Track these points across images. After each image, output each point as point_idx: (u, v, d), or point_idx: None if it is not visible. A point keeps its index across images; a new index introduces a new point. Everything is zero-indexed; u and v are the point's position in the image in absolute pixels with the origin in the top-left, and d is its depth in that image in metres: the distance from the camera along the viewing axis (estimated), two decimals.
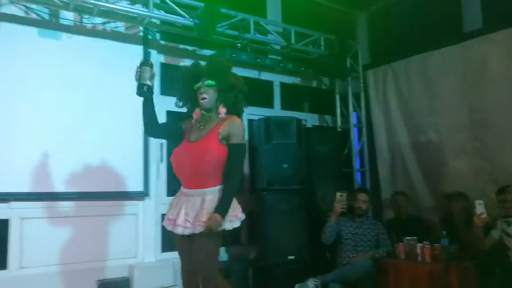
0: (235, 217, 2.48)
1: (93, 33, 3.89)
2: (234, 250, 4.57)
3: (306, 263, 4.21)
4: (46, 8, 3.68)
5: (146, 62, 2.59)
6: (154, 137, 3.48)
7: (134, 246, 4.00)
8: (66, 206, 3.67)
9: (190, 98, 2.65)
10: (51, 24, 3.73)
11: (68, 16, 3.79)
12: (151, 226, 4.08)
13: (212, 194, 2.44)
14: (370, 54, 5.84)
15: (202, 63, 2.68)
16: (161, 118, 4.26)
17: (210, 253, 2.46)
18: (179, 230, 2.45)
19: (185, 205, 2.46)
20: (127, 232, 3.97)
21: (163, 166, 4.29)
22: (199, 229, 2.37)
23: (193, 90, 2.58)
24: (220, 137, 2.48)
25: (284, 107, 5.30)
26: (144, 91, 2.56)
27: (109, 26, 4.00)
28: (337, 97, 5.58)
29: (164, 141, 4.29)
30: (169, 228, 2.56)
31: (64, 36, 3.76)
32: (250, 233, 4.75)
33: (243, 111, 2.71)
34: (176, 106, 2.76)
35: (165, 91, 4.38)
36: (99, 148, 3.78)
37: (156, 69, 4.24)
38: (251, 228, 4.74)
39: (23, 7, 3.60)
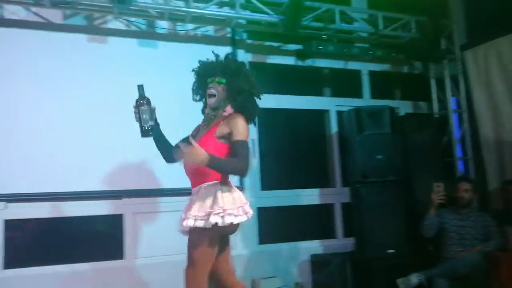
0: (242, 211, 2.35)
1: (186, 39, 4.14)
2: (329, 244, 4.56)
3: (407, 257, 4.04)
4: (144, 19, 3.99)
5: (142, 100, 2.45)
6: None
7: (233, 237, 4.16)
8: (171, 201, 3.94)
9: (203, 93, 2.59)
10: (148, 34, 4.04)
11: (163, 25, 4.08)
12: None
13: (205, 189, 2.35)
14: (466, 33, 5.37)
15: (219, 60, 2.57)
16: None
17: (197, 248, 2.31)
18: (179, 229, 2.46)
19: (187, 205, 2.44)
20: None
21: (255, 161, 4.41)
22: (191, 222, 2.27)
23: (206, 84, 2.54)
24: (217, 135, 2.39)
25: (374, 96, 5.13)
26: (149, 134, 2.47)
27: (200, 31, 4.22)
28: (432, 81, 5.25)
29: (255, 137, 4.43)
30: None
31: (160, 44, 4.05)
32: (345, 226, 4.70)
33: (254, 117, 2.54)
34: (193, 100, 2.70)
35: None
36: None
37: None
38: (346, 222, 4.69)
39: (124, 21, 3.95)
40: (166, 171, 3.82)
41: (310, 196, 4.64)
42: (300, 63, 4.74)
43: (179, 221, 2.47)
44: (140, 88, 2.51)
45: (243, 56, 4.41)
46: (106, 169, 3.67)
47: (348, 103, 4.75)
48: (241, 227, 4.09)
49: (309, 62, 4.74)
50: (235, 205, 2.32)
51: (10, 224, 3.53)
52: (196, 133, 2.62)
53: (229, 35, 4.34)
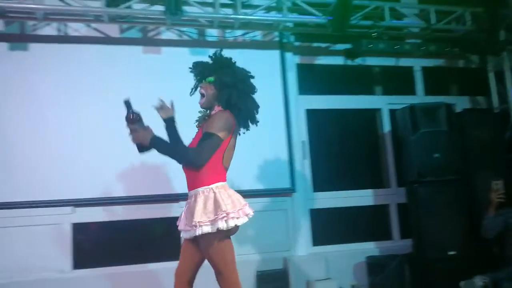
0: (242, 213, 2.33)
1: (235, 45, 4.23)
2: (385, 246, 4.45)
3: (470, 259, 3.86)
4: (195, 29, 4.13)
5: (132, 116, 2.39)
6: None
7: (286, 239, 4.20)
8: None
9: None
10: (199, 43, 4.17)
11: (212, 33, 4.19)
12: (301, 221, 4.23)
13: (203, 194, 2.31)
14: None
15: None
16: (301, 117, 4.47)
17: (221, 252, 2.33)
18: (182, 235, 2.45)
19: (185, 208, 2.43)
20: (280, 226, 4.19)
21: (307, 163, 4.41)
22: (199, 231, 2.24)
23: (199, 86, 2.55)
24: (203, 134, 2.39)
25: (428, 92, 4.96)
26: (145, 149, 2.44)
27: (248, 36, 4.30)
28: (491, 75, 4.98)
29: (306, 138, 4.43)
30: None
31: (211, 51, 4.15)
32: (402, 227, 4.57)
33: (249, 113, 2.57)
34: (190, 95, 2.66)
35: (303, 91, 4.53)
36: (247, 149, 4.04)
37: (293, 70, 4.52)
38: (402, 222, 4.56)
39: (176, 31, 4.11)
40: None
41: (363, 197, 4.56)
42: (349, 62, 4.68)
43: (179, 223, 2.49)
44: (127, 103, 2.39)
45: (291, 59, 4.45)
46: (163, 174, 3.82)
47: (401, 101, 4.62)
48: (290, 228, 4.18)
49: (358, 61, 4.68)
50: (235, 208, 2.31)
51: (78, 227, 3.78)
52: None
53: (276, 39, 4.39)
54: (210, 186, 2.32)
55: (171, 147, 2.40)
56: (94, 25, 3.87)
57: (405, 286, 3.99)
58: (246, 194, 3.97)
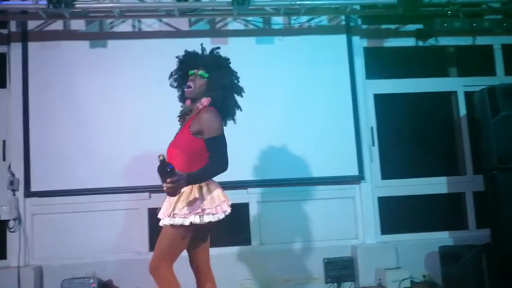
0: (216, 210, 2.33)
1: (301, 31, 4.19)
2: (459, 235, 4.26)
3: None
4: (261, 17, 4.15)
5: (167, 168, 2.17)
6: None
7: (354, 227, 4.17)
8: (292, 191, 4.09)
9: (182, 82, 2.56)
10: (265, 31, 4.19)
11: (278, 21, 4.19)
12: (369, 209, 4.18)
13: (187, 187, 2.29)
14: None
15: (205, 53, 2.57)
16: (369, 103, 4.36)
17: (164, 245, 2.35)
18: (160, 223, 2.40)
19: (167, 201, 2.38)
20: (347, 214, 4.17)
21: (375, 150, 4.31)
22: (171, 221, 2.27)
23: (187, 74, 2.51)
24: (191, 131, 2.37)
25: (508, 72, 4.59)
26: None
27: (314, 22, 4.24)
28: None
29: (374, 124, 4.33)
30: None
31: (276, 39, 4.18)
32: (478, 216, 4.34)
33: (234, 114, 2.58)
34: (170, 86, 2.66)
35: (371, 75, 4.41)
36: (314, 136, 4.07)
37: (360, 54, 4.38)
38: (479, 211, 4.33)
39: (243, 22, 4.16)
40: (286, 163, 4.00)
41: (436, 185, 4.37)
42: (420, 43, 4.46)
43: (160, 212, 2.42)
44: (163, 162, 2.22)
45: (358, 43, 4.34)
46: (233, 161, 3.92)
47: (478, 83, 4.32)
48: (360, 217, 4.14)
49: (431, 42, 4.44)
50: (213, 204, 2.32)
51: (153, 212, 4.03)
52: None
53: (343, 22, 4.29)
54: None
55: (205, 173, 2.34)
56: (165, 19, 4.04)
57: (483, 278, 3.78)
58: (313, 182, 4.06)
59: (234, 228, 4.17)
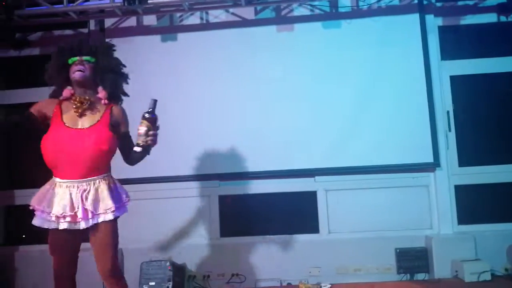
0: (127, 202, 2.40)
1: (370, 13, 4.03)
2: None
3: None
4: (327, 1, 4.05)
5: (150, 115, 2.35)
6: None
7: (428, 217, 4.00)
8: (361, 178, 4.00)
9: (61, 74, 2.37)
10: (332, 15, 4.08)
11: (345, 4, 4.07)
12: (445, 198, 3.97)
13: (103, 182, 2.30)
14: None
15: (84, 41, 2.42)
16: (445, 85, 4.11)
17: (115, 242, 2.34)
18: (81, 225, 2.23)
19: (80, 197, 2.23)
20: (420, 203, 4.00)
21: (452, 136, 4.07)
22: (108, 216, 2.25)
23: (67, 65, 2.33)
24: (110, 126, 2.35)
25: None
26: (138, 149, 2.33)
27: (383, 3, 4.05)
28: None
29: (450, 108, 4.08)
30: (52, 225, 2.24)
31: (344, 23, 4.06)
32: None
33: (121, 97, 2.53)
34: (46, 81, 2.46)
35: (446, 56, 4.15)
36: (386, 122, 3.93)
37: (434, 34, 4.13)
38: None
39: (308, 7, 4.09)
40: (356, 150, 3.92)
41: None
42: (503, 19, 4.10)
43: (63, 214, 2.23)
44: (153, 103, 2.38)
45: (432, 22, 4.08)
46: (300, 149, 3.94)
47: None
48: (435, 206, 3.94)
49: None
50: (126, 193, 2.42)
51: (223, 199, 4.16)
52: (60, 113, 2.32)
53: (415, 1, 4.05)
54: (108, 173, 2.37)
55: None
56: (232, 10, 4.08)
57: None
58: (384, 169, 3.94)
59: (301, 216, 4.19)
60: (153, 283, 3.62)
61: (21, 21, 3.94)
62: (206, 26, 4.11)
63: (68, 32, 4.28)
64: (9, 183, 4.30)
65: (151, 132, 2.29)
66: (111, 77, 2.40)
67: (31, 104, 2.38)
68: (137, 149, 2.30)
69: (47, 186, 2.30)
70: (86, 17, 4.06)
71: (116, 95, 2.47)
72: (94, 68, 2.35)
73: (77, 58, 2.32)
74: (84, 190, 2.25)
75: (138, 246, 3.97)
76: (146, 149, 2.34)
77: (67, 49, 2.36)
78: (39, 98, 2.54)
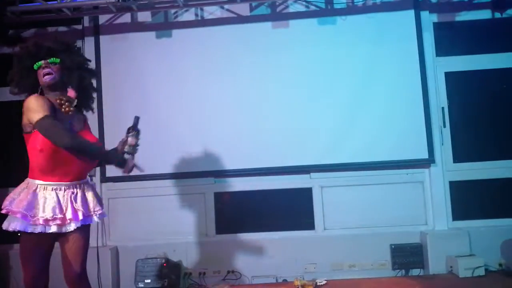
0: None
1: (365, 9, 4.02)
2: None
3: None
4: None
5: (133, 131, 2.37)
6: None
7: (423, 213, 4.01)
8: (357, 175, 4.01)
9: (28, 80, 2.30)
10: (327, 12, 4.07)
11: (341, 0, 4.06)
12: (440, 194, 3.99)
13: (88, 185, 2.37)
14: None
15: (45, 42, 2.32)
16: (440, 81, 4.12)
17: (87, 245, 2.38)
18: (71, 226, 2.21)
19: (65, 199, 2.22)
20: (415, 199, 4.01)
21: (447, 132, 4.08)
22: (94, 219, 2.32)
23: (33, 70, 2.28)
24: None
25: None
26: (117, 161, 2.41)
27: None
28: None
29: (445, 104, 4.09)
30: (39, 229, 2.16)
31: (339, 19, 4.05)
32: None
33: (92, 93, 2.49)
34: (11, 93, 2.39)
35: (441, 52, 4.15)
36: (381, 118, 3.94)
37: (429, 30, 4.13)
38: None
39: (304, 3, 4.08)
40: (350, 147, 3.92)
41: None
42: (497, 15, 4.11)
43: (53, 218, 2.18)
44: (136, 119, 2.41)
45: (427, 18, 4.09)
46: (295, 146, 3.94)
47: None
48: (430, 202, 3.96)
49: (509, 13, 4.07)
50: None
51: (219, 197, 4.15)
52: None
53: None
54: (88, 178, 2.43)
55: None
56: (227, 6, 4.06)
57: None
58: (379, 166, 3.95)
59: (296, 212, 4.20)
60: (148, 281, 3.62)
61: (14, 18, 3.91)
62: (201, 22, 4.09)
63: (62, 29, 4.25)
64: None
65: (139, 137, 2.37)
66: (77, 74, 2.34)
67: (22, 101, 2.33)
68: (127, 156, 2.34)
69: (23, 188, 2.22)
70: (80, 13, 4.04)
71: (85, 93, 2.42)
72: (60, 68, 2.29)
73: (42, 62, 2.26)
74: (72, 193, 2.25)
75: (133, 243, 3.97)
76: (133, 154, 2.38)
77: (27, 54, 2.29)
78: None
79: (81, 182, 2.30)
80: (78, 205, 2.23)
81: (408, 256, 3.84)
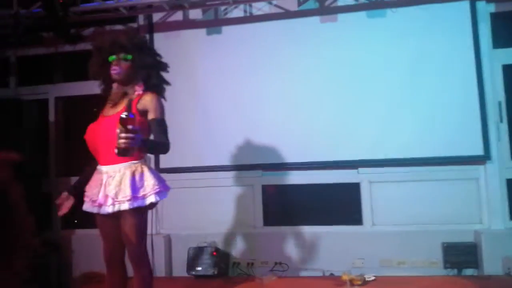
0: (163, 189, 2.36)
1: (416, 1, 3.91)
2: None
3: None
4: None
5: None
6: None
7: (477, 211, 3.86)
8: (407, 171, 3.93)
9: (103, 71, 2.44)
10: (377, 4, 4.01)
11: None
12: (496, 192, 3.82)
13: (129, 169, 2.29)
14: None
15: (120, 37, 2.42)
16: (497, 74, 3.94)
17: (140, 230, 2.35)
18: (105, 210, 2.28)
19: (104, 183, 2.30)
20: (469, 197, 3.86)
21: (503, 127, 3.90)
22: (125, 205, 2.25)
23: (108, 63, 2.41)
24: (138, 109, 2.34)
25: None
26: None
27: None
28: None
29: (503, 99, 3.91)
30: (89, 209, 2.38)
31: (389, 11, 3.97)
32: None
33: (162, 89, 2.53)
34: (92, 78, 2.54)
35: (498, 44, 3.97)
36: (433, 112, 3.83)
37: (486, 21, 3.95)
38: None
39: None
40: (401, 141, 3.85)
41: None
42: None
43: (92, 200, 2.34)
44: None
45: (484, 8, 3.91)
46: (345, 141, 3.93)
47: None
48: (485, 200, 3.81)
49: None
50: (160, 183, 2.36)
51: (266, 189, 4.22)
52: (103, 107, 2.50)
53: None
54: (138, 161, 2.34)
55: (158, 145, 2.37)
56: (275, 1, 4.11)
57: None
58: (431, 162, 3.84)
59: (344, 207, 4.18)
60: (199, 268, 3.76)
61: (76, 17, 4.18)
62: (249, 18, 4.16)
63: (119, 27, 4.47)
64: (67, 170, 4.58)
65: (123, 135, 2.06)
66: (145, 73, 2.45)
67: (87, 96, 2.54)
68: (115, 151, 2.09)
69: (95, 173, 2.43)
70: (135, 12, 4.24)
71: (154, 86, 2.49)
72: (130, 65, 2.40)
73: (115, 56, 2.40)
74: (110, 176, 2.30)
75: (185, 232, 4.13)
76: (122, 153, 2.08)
77: (103, 48, 2.44)
78: (93, 91, 2.75)
79: (120, 166, 2.29)
80: (109, 190, 2.27)
81: (461, 255, 3.71)
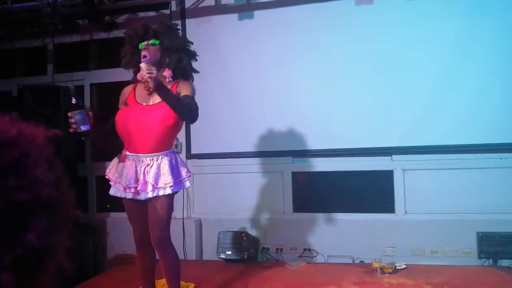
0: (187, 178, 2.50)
1: None
2: None
3: None
4: None
5: (73, 106, 2.28)
6: None
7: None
8: (442, 158, 3.81)
9: (134, 58, 2.52)
10: None
11: None
12: None
13: (166, 158, 2.43)
14: None
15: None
16: None
17: (171, 212, 2.52)
18: (145, 196, 2.41)
19: (143, 171, 2.41)
20: (508, 186, 3.69)
21: None
22: (167, 191, 2.39)
23: (138, 50, 2.48)
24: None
25: None
26: (81, 138, 2.41)
27: None
28: None
29: None
30: (118, 194, 2.50)
31: None
32: None
33: (191, 75, 2.61)
34: (124, 68, 2.64)
35: None
36: (473, 98, 3.67)
37: None
38: None
39: None
40: (438, 128, 3.72)
41: None
42: None
43: (128, 186, 2.44)
44: (73, 92, 2.44)
45: None
46: (378, 127, 3.85)
47: None
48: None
49: None
50: (187, 168, 2.56)
51: (296, 175, 4.21)
52: (133, 93, 2.54)
53: None
54: (171, 150, 2.50)
55: (184, 105, 2.38)
56: None
57: None
58: (468, 149, 3.71)
59: (376, 195, 4.11)
60: (229, 252, 3.81)
61: (110, 5, 4.24)
62: (282, 2, 4.09)
63: (151, 13, 4.52)
64: (102, 155, 4.72)
65: (72, 120, 2.25)
66: (175, 56, 2.50)
67: (120, 82, 2.61)
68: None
69: (117, 158, 2.54)
70: None
71: (182, 73, 2.55)
72: (159, 50, 2.47)
73: (144, 43, 2.47)
74: (147, 165, 2.41)
75: (216, 217, 4.19)
76: (84, 136, 2.36)
77: (135, 35, 2.51)
78: (126, 77, 2.80)
79: (158, 155, 2.42)
80: (149, 177, 2.39)
81: (497, 245, 3.60)
